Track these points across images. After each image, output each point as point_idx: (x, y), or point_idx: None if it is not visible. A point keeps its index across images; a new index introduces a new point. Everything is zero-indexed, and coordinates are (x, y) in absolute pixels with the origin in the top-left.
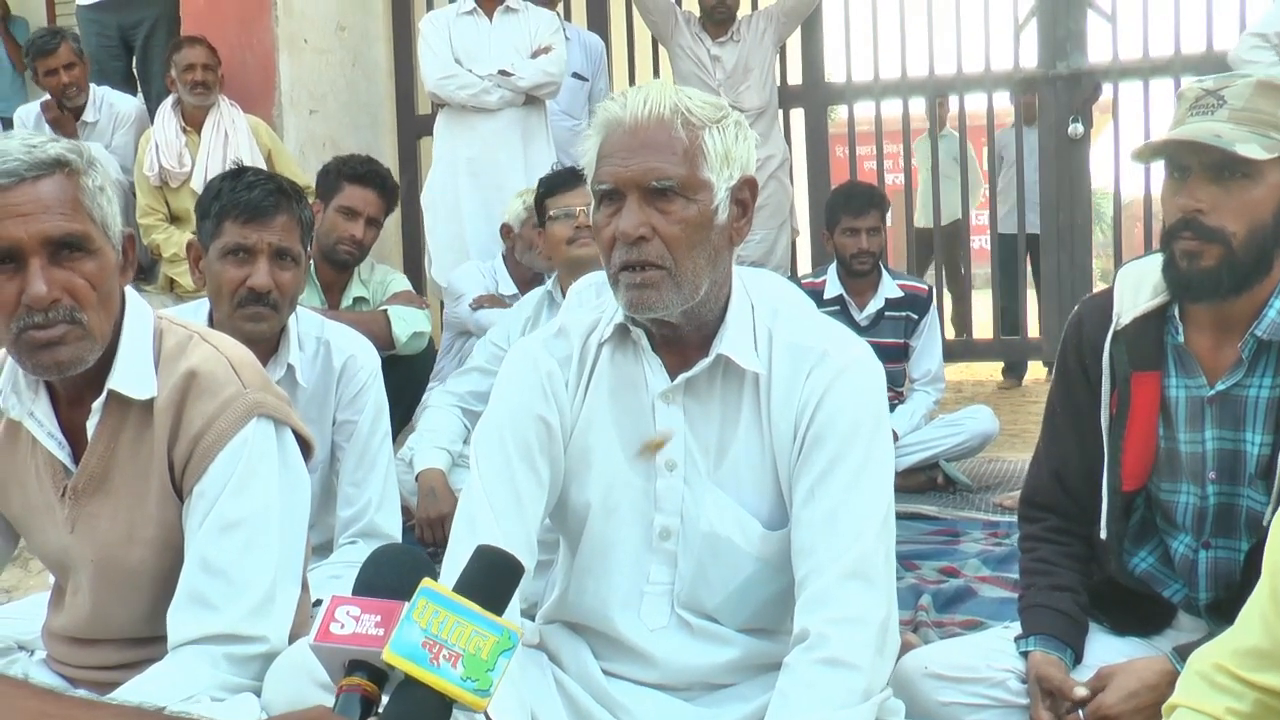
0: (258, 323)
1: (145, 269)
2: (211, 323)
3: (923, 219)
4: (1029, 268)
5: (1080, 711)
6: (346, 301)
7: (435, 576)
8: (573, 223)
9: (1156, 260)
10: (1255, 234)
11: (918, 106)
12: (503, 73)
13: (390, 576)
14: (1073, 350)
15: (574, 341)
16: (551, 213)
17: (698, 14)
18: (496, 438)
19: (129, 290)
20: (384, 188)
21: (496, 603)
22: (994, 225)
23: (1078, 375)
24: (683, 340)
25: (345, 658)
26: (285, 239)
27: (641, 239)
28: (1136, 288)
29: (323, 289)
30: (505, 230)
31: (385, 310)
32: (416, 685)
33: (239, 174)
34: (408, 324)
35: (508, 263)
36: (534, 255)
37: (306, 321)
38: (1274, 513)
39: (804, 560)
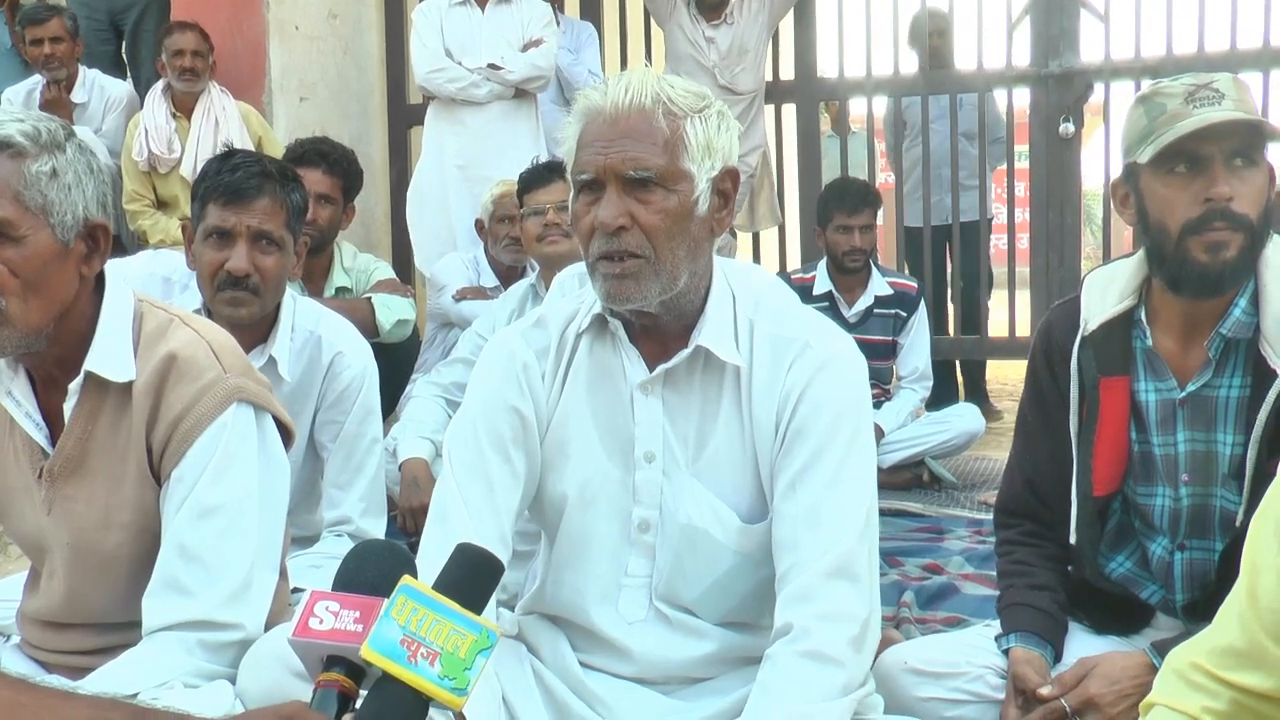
0: (236, 307)
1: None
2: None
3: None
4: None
5: (1064, 700)
6: (329, 291)
7: (416, 573)
8: (542, 220)
9: (1124, 265)
10: (1262, 221)
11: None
12: (492, 66)
13: (371, 572)
14: (1042, 357)
15: (552, 332)
16: (524, 210)
17: None
18: (470, 430)
19: (108, 272)
20: (329, 163)
21: (476, 601)
22: (900, 218)
23: (1047, 383)
24: (662, 331)
25: (323, 653)
26: (266, 222)
27: (621, 229)
28: (1104, 292)
29: (302, 278)
30: (478, 225)
31: (369, 298)
32: (394, 682)
33: (228, 156)
34: (392, 311)
35: (489, 255)
36: (502, 249)
37: (304, 313)
38: (1248, 512)
39: (786, 554)
